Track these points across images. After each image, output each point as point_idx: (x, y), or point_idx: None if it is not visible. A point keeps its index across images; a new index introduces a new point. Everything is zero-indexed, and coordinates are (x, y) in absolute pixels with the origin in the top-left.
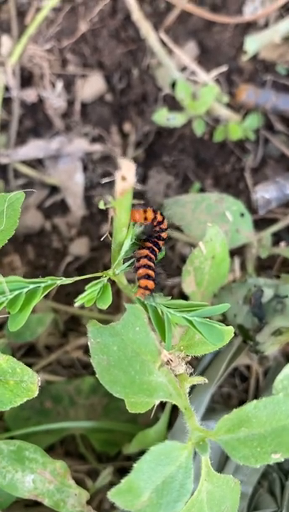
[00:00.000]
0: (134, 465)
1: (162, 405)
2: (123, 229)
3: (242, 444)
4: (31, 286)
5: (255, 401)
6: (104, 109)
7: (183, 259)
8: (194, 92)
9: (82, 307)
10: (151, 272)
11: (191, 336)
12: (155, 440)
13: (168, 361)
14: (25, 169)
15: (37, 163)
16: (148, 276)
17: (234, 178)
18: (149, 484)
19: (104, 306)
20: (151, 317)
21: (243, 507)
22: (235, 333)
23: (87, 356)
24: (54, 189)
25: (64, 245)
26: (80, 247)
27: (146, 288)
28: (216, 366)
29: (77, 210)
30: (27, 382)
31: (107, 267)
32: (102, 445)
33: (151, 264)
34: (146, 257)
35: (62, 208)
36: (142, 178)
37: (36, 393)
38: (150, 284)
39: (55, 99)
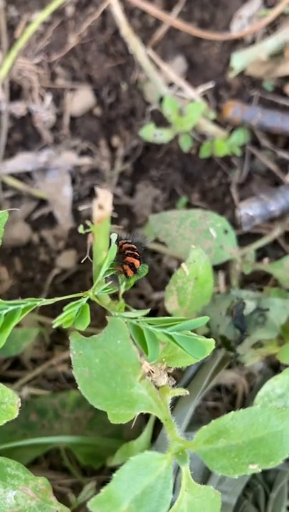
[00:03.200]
0: (114, 475)
1: (146, 417)
2: (102, 252)
3: (220, 455)
4: (10, 307)
5: (232, 412)
6: (93, 122)
7: (169, 273)
8: (181, 108)
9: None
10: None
11: (173, 348)
12: (139, 452)
13: (149, 373)
14: (13, 182)
15: (25, 176)
16: (134, 257)
17: (220, 192)
18: (129, 494)
19: (83, 328)
20: (131, 331)
21: None
22: (219, 345)
23: (72, 370)
24: (42, 202)
25: (51, 258)
26: (67, 260)
27: (132, 265)
28: (200, 377)
29: (65, 223)
30: (7, 404)
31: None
32: (87, 459)
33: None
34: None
35: (50, 220)
36: (130, 192)
37: (16, 415)
38: (136, 262)
39: (44, 113)
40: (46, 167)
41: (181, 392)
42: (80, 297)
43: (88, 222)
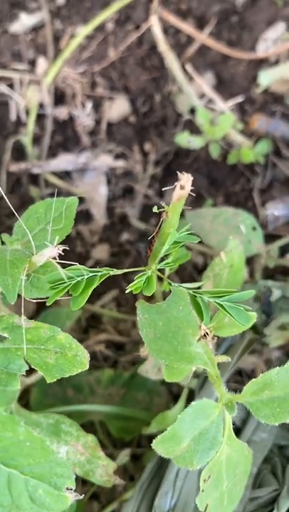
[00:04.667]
0: (179, 416)
1: (176, 396)
2: (171, 229)
3: (264, 405)
4: (90, 274)
5: (278, 367)
6: (128, 129)
7: (195, 267)
8: (212, 119)
9: (102, 306)
10: None
11: (221, 318)
12: (173, 422)
13: (205, 335)
14: (54, 180)
15: (65, 175)
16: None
17: (243, 197)
18: (189, 434)
19: (149, 293)
20: (190, 300)
21: (248, 484)
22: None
23: (107, 350)
24: (80, 199)
25: (87, 250)
26: (101, 252)
27: None
28: (230, 356)
29: (100, 219)
30: (80, 357)
31: (126, 273)
32: (119, 432)
33: None
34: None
35: (87, 216)
36: (160, 193)
37: (87, 367)
38: None
39: (84, 118)
40: (84, 168)
41: (223, 358)
42: (141, 271)
43: (162, 203)
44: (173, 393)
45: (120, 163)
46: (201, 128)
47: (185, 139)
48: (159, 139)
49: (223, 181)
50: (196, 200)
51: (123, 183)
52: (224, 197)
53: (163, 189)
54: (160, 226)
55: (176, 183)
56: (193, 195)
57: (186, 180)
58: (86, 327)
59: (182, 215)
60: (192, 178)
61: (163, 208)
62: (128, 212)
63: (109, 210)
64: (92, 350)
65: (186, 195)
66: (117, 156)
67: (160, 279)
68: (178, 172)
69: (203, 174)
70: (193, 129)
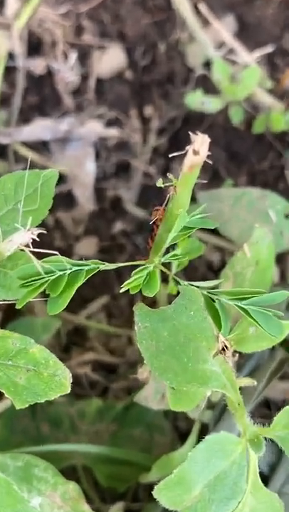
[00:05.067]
0: (189, 454)
1: (184, 434)
2: (180, 210)
3: None
4: (74, 268)
5: None
6: (124, 87)
7: (210, 267)
8: (233, 74)
9: (88, 317)
10: None
11: (244, 328)
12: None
13: (223, 349)
14: (27, 152)
15: (41, 147)
16: None
17: (272, 176)
18: (202, 478)
19: (151, 294)
20: (204, 303)
21: None
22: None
23: (95, 374)
24: (60, 178)
25: (68, 244)
26: (87, 248)
27: None
28: (256, 379)
29: (86, 204)
30: (59, 377)
31: (119, 273)
32: (109, 480)
33: None
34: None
35: (68, 200)
36: (165, 171)
37: (68, 389)
38: None
39: (66, 73)
40: (66, 137)
41: (247, 382)
42: (141, 265)
43: (170, 175)
44: (180, 430)
45: (113, 132)
46: (219, 86)
47: (198, 101)
48: (164, 100)
49: (246, 156)
50: (211, 180)
51: (116, 157)
52: (248, 176)
53: (170, 155)
54: (166, 206)
55: (187, 147)
56: (210, 162)
57: (201, 143)
58: (67, 344)
59: (193, 198)
60: (209, 140)
61: (170, 181)
62: (123, 196)
63: (99, 193)
64: (75, 373)
65: (201, 162)
66: (109, 123)
67: (164, 280)
68: (190, 133)
69: (221, 146)
70: (209, 87)
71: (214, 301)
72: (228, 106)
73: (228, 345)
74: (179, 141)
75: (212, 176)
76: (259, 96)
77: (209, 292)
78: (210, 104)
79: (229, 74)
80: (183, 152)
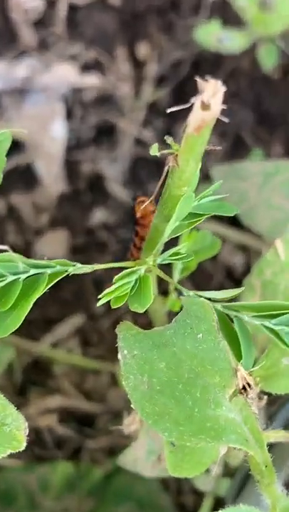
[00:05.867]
0: None
1: None
2: (183, 189)
3: None
4: (32, 271)
5: None
6: (107, 17)
7: (229, 274)
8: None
9: (54, 345)
10: None
11: (275, 359)
12: None
13: (244, 387)
14: None
15: None
16: None
17: None
18: None
19: (142, 308)
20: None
21: None
22: None
23: (63, 426)
24: (15, 145)
25: (26, 240)
26: (53, 245)
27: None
28: None
29: (53, 184)
30: (11, 427)
31: (99, 282)
32: None
33: None
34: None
35: (27, 178)
36: (164, 137)
37: (23, 446)
38: None
39: None
40: (25, 87)
41: (281, 436)
42: (126, 268)
43: (168, 139)
44: (186, 508)
45: (92, 80)
46: (244, 16)
47: (213, 35)
48: (165, 36)
49: (282, 116)
50: (233, 149)
51: (97, 117)
52: (284, 145)
53: (169, 110)
54: (163, 184)
55: (193, 98)
56: (227, 121)
57: (212, 92)
58: (23, 383)
59: (206, 174)
60: (224, 89)
61: (170, 148)
62: (105, 173)
63: (71, 168)
64: (34, 425)
65: (213, 120)
66: (87, 67)
67: (164, 292)
68: (198, 79)
69: (248, 103)
70: (229, 17)
71: (232, 320)
72: (257, 44)
73: (252, 383)
74: (185, 95)
75: (234, 144)
76: None
77: (225, 307)
78: (231, 42)
79: None
80: (187, 105)
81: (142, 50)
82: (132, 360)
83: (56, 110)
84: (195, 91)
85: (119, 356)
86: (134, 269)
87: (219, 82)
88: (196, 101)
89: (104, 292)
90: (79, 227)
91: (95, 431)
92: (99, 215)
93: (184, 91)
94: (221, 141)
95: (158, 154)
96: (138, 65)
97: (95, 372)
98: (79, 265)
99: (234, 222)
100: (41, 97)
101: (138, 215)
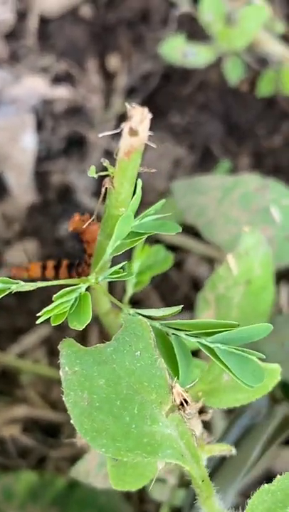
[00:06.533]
0: None
1: None
2: (121, 209)
3: None
4: None
5: None
6: (78, 30)
7: (195, 285)
8: (230, 14)
9: (20, 355)
10: None
11: (216, 374)
12: None
13: (182, 404)
14: None
15: None
16: None
17: (287, 156)
18: None
19: (80, 326)
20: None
21: None
22: (278, 397)
23: (28, 436)
24: None
25: None
26: (23, 256)
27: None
28: (247, 448)
29: (23, 195)
30: None
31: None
32: None
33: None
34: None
35: None
36: None
37: None
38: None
39: None
40: None
41: (222, 450)
42: (72, 285)
43: (104, 162)
44: None
45: (62, 92)
46: (210, 30)
47: (178, 50)
48: (135, 48)
49: (250, 128)
50: (200, 162)
51: (67, 128)
52: (253, 157)
53: (101, 135)
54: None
55: (122, 124)
56: (153, 146)
57: (139, 119)
58: None
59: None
60: (150, 116)
61: (106, 170)
62: (74, 183)
63: (41, 179)
64: None
65: (142, 146)
66: (57, 79)
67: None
68: (127, 104)
69: (216, 115)
70: (195, 30)
71: (170, 337)
72: (223, 59)
73: (189, 399)
74: (155, 107)
75: (202, 156)
76: (266, 44)
77: (164, 324)
78: (195, 57)
79: (224, 13)
80: (117, 131)
81: (113, 62)
82: (73, 377)
83: (26, 122)
84: (166, 103)
85: (61, 373)
86: (74, 287)
87: (146, 109)
88: (125, 127)
89: (44, 310)
90: (48, 238)
91: (59, 441)
92: (68, 226)
93: (154, 103)
94: (189, 152)
95: (95, 176)
96: (108, 76)
97: (61, 382)
98: (22, 283)
99: (199, 234)
100: (11, 108)
101: (80, 232)
